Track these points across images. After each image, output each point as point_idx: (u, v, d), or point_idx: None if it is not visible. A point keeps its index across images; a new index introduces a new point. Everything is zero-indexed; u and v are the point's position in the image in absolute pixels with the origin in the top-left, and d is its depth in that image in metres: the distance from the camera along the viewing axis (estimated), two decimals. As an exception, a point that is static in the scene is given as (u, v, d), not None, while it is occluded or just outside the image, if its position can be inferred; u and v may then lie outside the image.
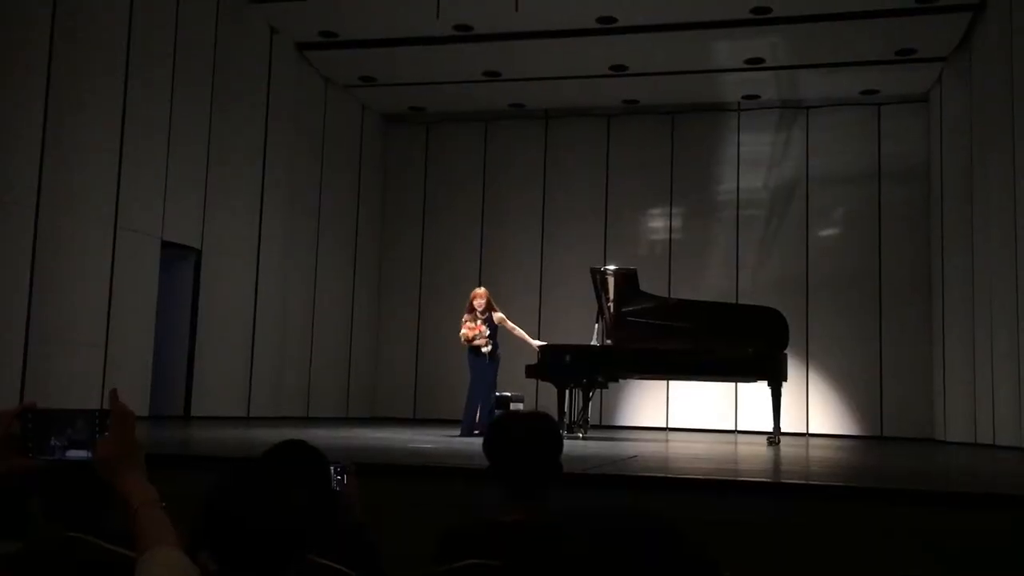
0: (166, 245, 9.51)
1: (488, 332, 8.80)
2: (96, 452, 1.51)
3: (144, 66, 9.08)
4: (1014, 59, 8.99)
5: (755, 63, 11.78)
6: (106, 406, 1.57)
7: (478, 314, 8.87)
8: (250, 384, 10.88)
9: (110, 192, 8.69)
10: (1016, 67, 8.95)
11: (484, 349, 8.76)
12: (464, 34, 11.21)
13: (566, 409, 8.94)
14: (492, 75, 12.48)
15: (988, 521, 3.63)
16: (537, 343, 9.17)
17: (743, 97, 13.02)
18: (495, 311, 8.92)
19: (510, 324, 9.06)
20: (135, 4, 8.94)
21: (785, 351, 8.90)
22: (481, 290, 9.08)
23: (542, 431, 2.34)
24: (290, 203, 11.76)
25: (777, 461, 6.39)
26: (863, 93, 12.63)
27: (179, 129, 9.62)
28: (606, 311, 9.13)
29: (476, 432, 8.41)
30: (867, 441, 11.43)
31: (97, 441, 1.53)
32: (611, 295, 9.13)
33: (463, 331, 8.87)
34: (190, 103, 9.83)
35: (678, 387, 12.84)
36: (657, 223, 13.50)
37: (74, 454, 1.56)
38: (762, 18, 10.48)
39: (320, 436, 7.46)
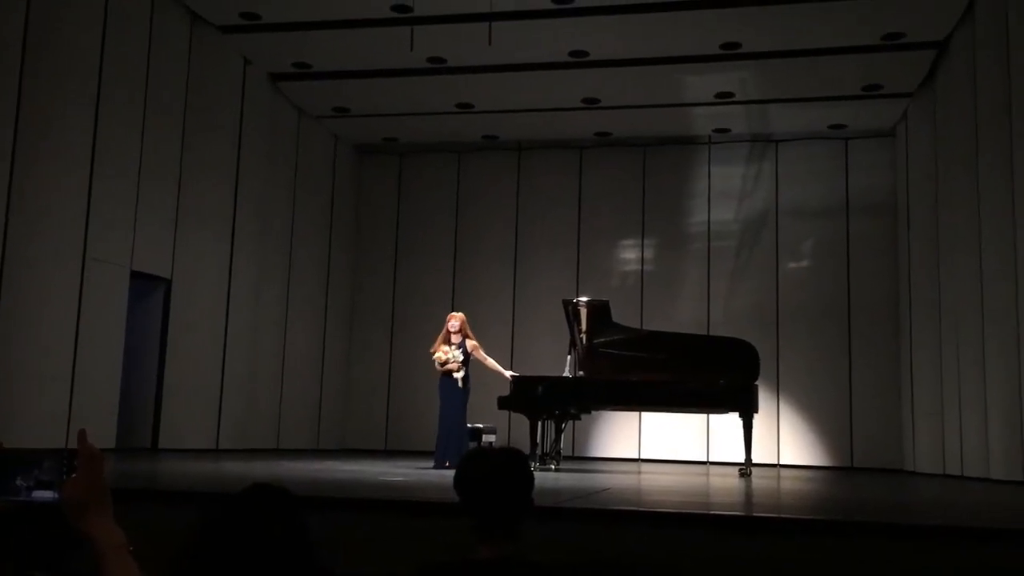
0: (135, 275, 9.42)
1: (461, 358, 8.75)
2: (63, 493, 1.49)
3: (115, 95, 9.03)
4: (978, 95, 9.19)
5: (725, 97, 11.95)
6: (73, 444, 1.54)
7: (452, 338, 8.83)
8: (219, 416, 10.75)
9: (79, 221, 8.61)
10: (980, 103, 9.14)
11: (457, 374, 8.70)
12: (437, 66, 11.28)
13: (538, 440, 8.92)
14: (465, 107, 12.56)
15: (958, 554, 3.65)
16: (510, 374, 9.13)
17: (714, 130, 13.18)
18: (469, 338, 8.88)
19: (482, 354, 8.98)
20: (107, 32, 8.92)
21: (756, 382, 8.95)
22: (458, 313, 9.03)
23: (513, 467, 2.33)
24: (262, 233, 11.72)
25: (749, 493, 6.40)
26: (831, 127, 12.84)
27: (150, 158, 9.57)
28: (578, 342, 9.14)
29: (448, 464, 8.35)
30: (838, 472, 11.48)
31: (64, 482, 1.51)
32: (583, 326, 9.14)
33: (437, 353, 8.80)
34: (162, 132, 9.79)
35: (650, 418, 12.85)
36: (629, 255, 13.58)
37: (40, 495, 1.54)
38: (732, 53, 10.65)
39: (290, 469, 7.39)
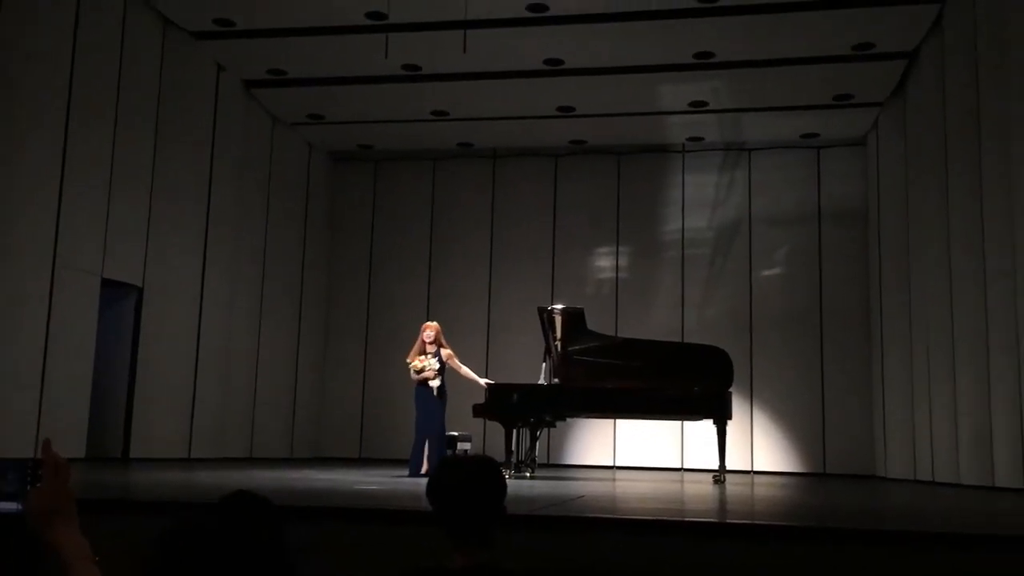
0: (106, 283, 9.33)
1: (437, 367, 8.74)
2: (27, 504, 1.47)
3: (87, 100, 8.95)
4: (946, 105, 9.31)
5: (699, 106, 12.03)
6: (39, 454, 1.52)
7: (427, 348, 8.82)
8: (191, 425, 10.65)
9: (49, 228, 8.51)
10: (948, 112, 9.26)
11: (432, 383, 8.67)
12: (412, 74, 11.28)
13: (513, 448, 8.90)
14: (440, 114, 12.55)
15: (930, 559, 3.68)
16: (484, 381, 9.09)
17: (687, 139, 13.27)
18: (444, 347, 8.87)
19: (457, 362, 8.95)
20: (78, 38, 8.84)
21: (730, 389, 8.99)
22: (432, 323, 9.03)
23: (485, 475, 2.32)
24: (235, 241, 11.63)
25: (723, 500, 6.43)
26: (803, 136, 12.96)
27: (122, 165, 9.48)
28: (553, 350, 9.14)
29: (424, 472, 8.32)
30: (810, 478, 11.55)
31: (29, 492, 1.49)
32: (558, 334, 9.15)
33: (413, 362, 8.80)
34: (134, 139, 9.71)
35: (625, 425, 12.88)
36: (604, 262, 13.62)
37: (4, 506, 1.51)
38: (705, 63, 10.72)
39: (265, 478, 7.33)
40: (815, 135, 12.91)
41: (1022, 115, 7.50)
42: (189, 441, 10.60)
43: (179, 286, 10.50)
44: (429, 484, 2.34)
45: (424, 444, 8.67)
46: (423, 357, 8.76)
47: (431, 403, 8.71)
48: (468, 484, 2.28)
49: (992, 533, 4.01)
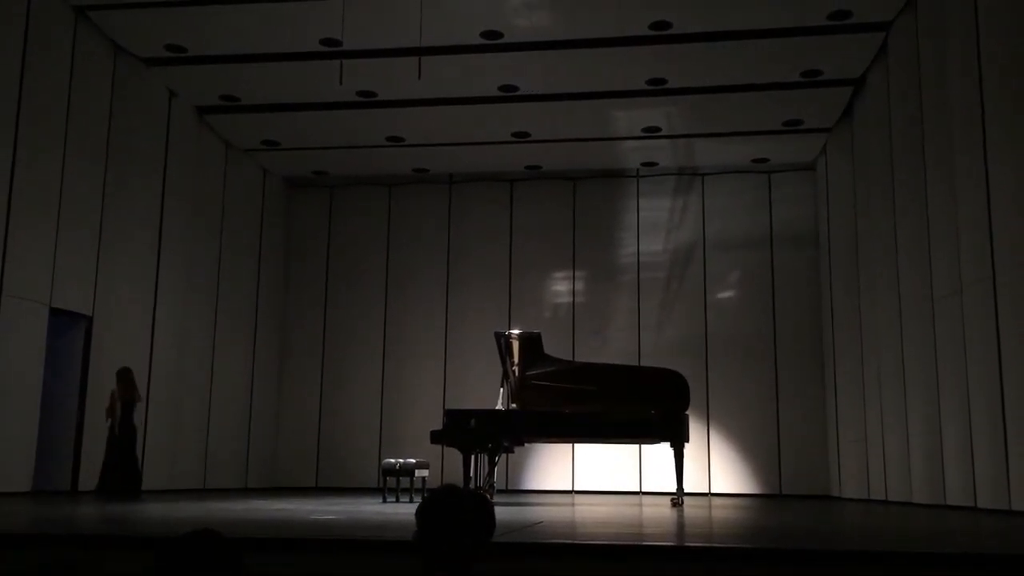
0: (55, 312, 9.14)
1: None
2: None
3: (35, 126, 8.81)
4: (892, 130, 9.53)
5: (652, 132, 12.18)
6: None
7: None
8: (143, 456, 10.43)
9: (-5, 257, 8.33)
10: (894, 138, 9.48)
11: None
12: (367, 100, 11.28)
13: (472, 474, 8.87)
14: (395, 140, 12.56)
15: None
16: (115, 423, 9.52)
17: (641, 164, 13.41)
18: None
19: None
20: (26, 63, 8.71)
21: (687, 412, 9.05)
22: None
23: (482, 513, 2.36)
24: (188, 268, 11.49)
25: (681, 523, 6.44)
26: (754, 161, 13.17)
27: (71, 192, 9.33)
28: (511, 375, 9.14)
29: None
30: (767, 500, 11.64)
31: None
32: (516, 359, 9.15)
33: None
34: (84, 166, 9.57)
35: (583, 450, 12.89)
36: (560, 286, 13.67)
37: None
38: (658, 89, 10.87)
39: (218, 509, 7.20)
40: (765, 160, 13.12)
41: (964, 138, 7.69)
42: (140, 472, 10.37)
43: (130, 315, 10.33)
44: (424, 508, 2.33)
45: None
46: None
47: None
48: (467, 520, 2.29)
49: (943, 552, 4.06)
